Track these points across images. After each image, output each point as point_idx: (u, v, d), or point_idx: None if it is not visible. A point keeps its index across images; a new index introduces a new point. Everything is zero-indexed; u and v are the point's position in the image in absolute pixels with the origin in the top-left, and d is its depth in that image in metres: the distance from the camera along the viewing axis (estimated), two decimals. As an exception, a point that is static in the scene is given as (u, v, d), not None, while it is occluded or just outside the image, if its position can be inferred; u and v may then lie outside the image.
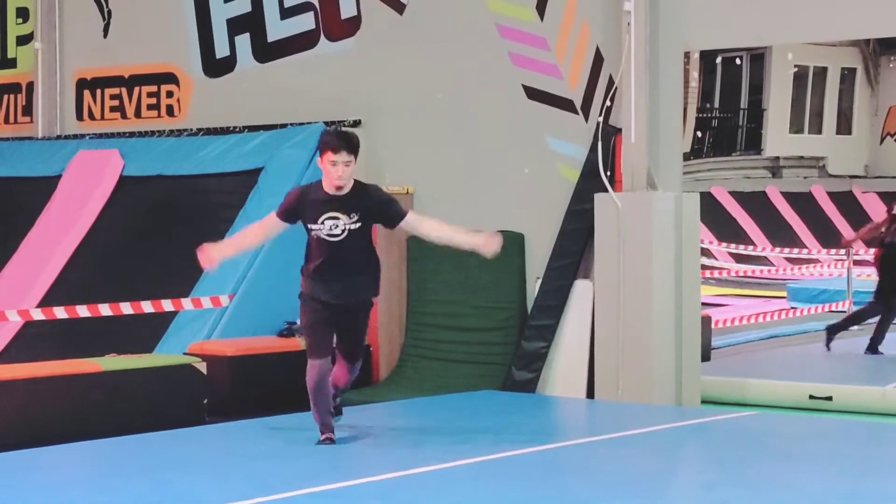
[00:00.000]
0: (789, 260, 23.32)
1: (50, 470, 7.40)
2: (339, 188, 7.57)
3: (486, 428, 8.50)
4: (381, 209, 7.74)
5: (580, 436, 8.78)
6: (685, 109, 25.38)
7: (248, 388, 10.36)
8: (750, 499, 6.39)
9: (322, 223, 7.55)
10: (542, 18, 11.11)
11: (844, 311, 16.38)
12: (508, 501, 6.22)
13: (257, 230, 8.06)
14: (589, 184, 10.64)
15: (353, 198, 7.62)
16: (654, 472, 7.26)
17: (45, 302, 11.82)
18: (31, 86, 14.51)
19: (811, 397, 10.64)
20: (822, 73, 27.97)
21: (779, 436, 8.58)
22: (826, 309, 17.24)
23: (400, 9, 11.87)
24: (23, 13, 14.68)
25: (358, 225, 7.58)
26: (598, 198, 10.44)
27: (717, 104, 27.56)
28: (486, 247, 7.86)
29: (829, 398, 10.57)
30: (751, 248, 23.87)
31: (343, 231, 7.56)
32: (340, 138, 7.68)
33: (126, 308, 10.54)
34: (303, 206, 7.63)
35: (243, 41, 12.91)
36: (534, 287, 10.98)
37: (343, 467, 7.23)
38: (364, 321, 7.92)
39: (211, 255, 7.85)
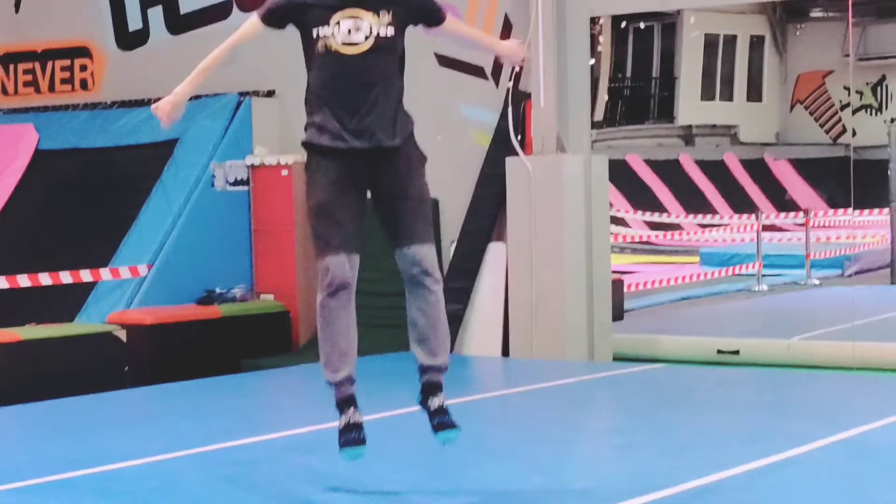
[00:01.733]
0: (702, 226, 23.72)
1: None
2: None
3: (401, 386, 8.67)
4: (417, 5, 5.60)
5: (494, 389, 9.02)
6: (597, 79, 25.69)
7: (168, 356, 10.47)
8: (656, 442, 6.66)
9: (337, 24, 5.37)
10: (451, -14, 11.30)
11: (754, 274, 16.79)
12: (420, 453, 6.41)
13: (225, 48, 5.85)
14: (501, 148, 10.85)
15: None
16: (566, 420, 7.51)
17: (-37, 276, 11.84)
18: (-58, 62, 14.44)
19: (719, 352, 10.94)
20: (731, 41, 28.39)
21: (685, 386, 8.87)
22: (736, 271, 17.64)
23: (312, -21, 11.98)
24: (-68, -11, 14.59)
25: (391, 31, 5.45)
26: (510, 161, 10.66)
27: (629, 73, 27.89)
28: (510, 52, 6.02)
29: (737, 352, 10.87)
30: (665, 215, 24.24)
31: (367, 38, 5.39)
32: None
33: (45, 279, 10.60)
34: (301, 2, 5.44)
35: (156, 13, 12.96)
36: (449, 250, 11.18)
37: (258, 423, 7.41)
38: (417, 172, 5.86)
39: (166, 106, 5.98)
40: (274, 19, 5.51)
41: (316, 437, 6.84)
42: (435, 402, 5.55)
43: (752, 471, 5.84)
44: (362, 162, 5.45)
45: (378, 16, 5.32)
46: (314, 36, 5.37)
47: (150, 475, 6.05)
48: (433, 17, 5.64)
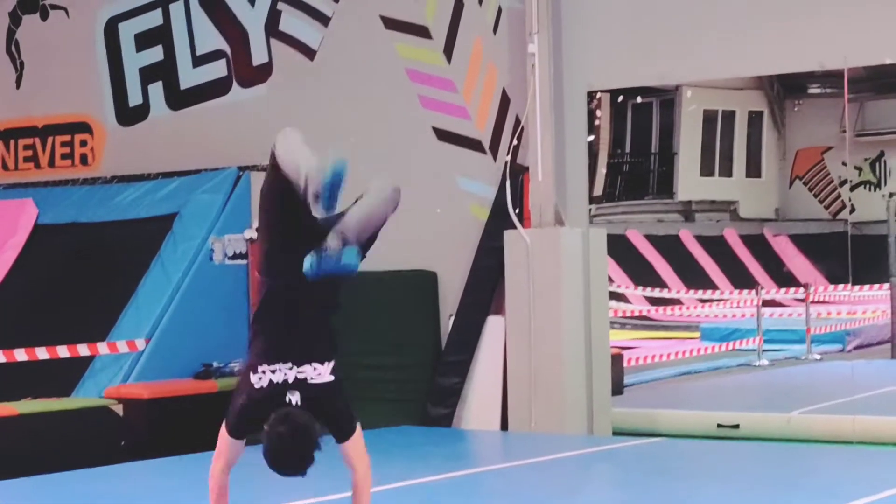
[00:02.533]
0: (702, 301, 23.69)
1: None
2: None
3: (400, 459, 8.65)
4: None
5: (492, 462, 8.97)
6: (596, 154, 25.77)
7: (165, 430, 10.42)
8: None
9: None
10: (449, 62, 11.38)
11: (755, 349, 16.75)
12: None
13: (218, 476, 5.87)
14: (499, 221, 10.87)
15: None
16: (565, 494, 7.46)
17: (-39, 349, 11.81)
18: (-57, 137, 14.51)
19: (719, 426, 10.88)
20: (730, 116, 28.49)
21: (685, 460, 8.82)
22: (737, 346, 17.58)
23: (311, 55, 12.09)
24: (-65, 65, 14.70)
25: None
26: (508, 235, 10.67)
27: (628, 149, 28.00)
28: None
29: (737, 426, 10.81)
30: (665, 290, 24.23)
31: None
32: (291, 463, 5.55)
33: (42, 353, 10.57)
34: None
35: (156, 89, 13.05)
36: (447, 324, 11.16)
37: (258, 496, 7.34)
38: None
39: None
40: (242, 432, 5.74)
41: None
42: None
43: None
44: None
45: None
46: None
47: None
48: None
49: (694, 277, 25.95)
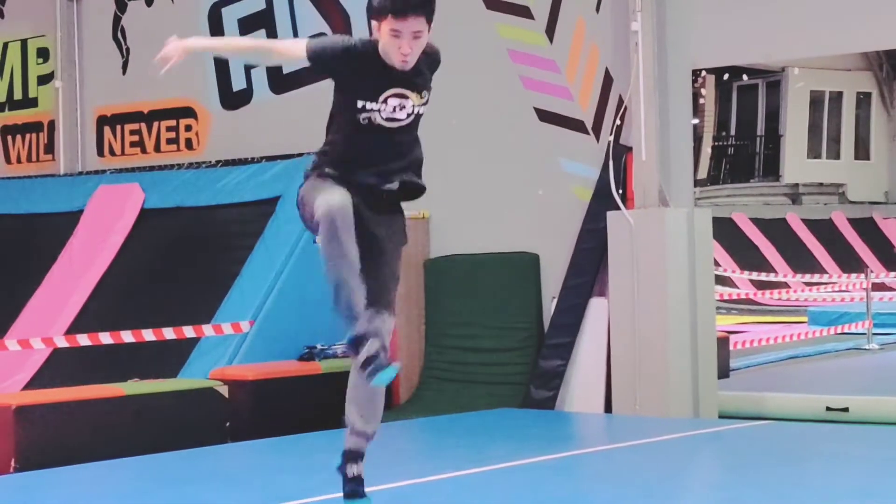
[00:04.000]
0: (808, 284, 23.36)
1: (75, 486, 7.55)
2: (405, 63, 5.40)
3: (504, 440, 8.62)
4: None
5: (596, 444, 8.89)
6: (701, 137, 25.53)
7: (269, 412, 10.47)
8: (761, 497, 6.49)
9: (384, 102, 5.41)
10: (551, 42, 11.28)
11: (864, 333, 16.45)
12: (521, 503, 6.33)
13: (259, 45, 5.79)
14: (602, 203, 10.76)
15: (422, 69, 5.55)
16: (669, 476, 7.36)
17: (71, 331, 11.99)
18: (52, 124, 14.76)
19: (828, 409, 10.69)
20: (837, 98, 28.05)
21: (792, 442, 8.66)
22: (845, 330, 17.29)
23: (412, 36, 12.06)
24: (43, 53, 14.96)
25: (425, 107, 5.58)
26: (611, 216, 10.57)
27: (733, 131, 27.68)
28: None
29: (846, 409, 10.61)
30: (772, 275, 23.92)
31: (409, 116, 5.47)
32: None
33: (148, 335, 10.68)
34: (350, 66, 5.36)
35: (259, 73, 13.13)
36: (550, 306, 11.09)
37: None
38: (399, 251, 5.67)
39: (179, 45, 5.66)
40: (320, 63, 5.40)
41: (417, 490, 6.78)
42: (354, 470, 5.64)
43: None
44: (371, 207, 5.52)
45: (420, 96, 5.47)
46: (358, 106, 5.38)
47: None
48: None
49: (801, 261, 25.64)
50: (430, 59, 5.55)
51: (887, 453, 8.19)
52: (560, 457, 7.92)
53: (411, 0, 5.24)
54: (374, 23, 5.33)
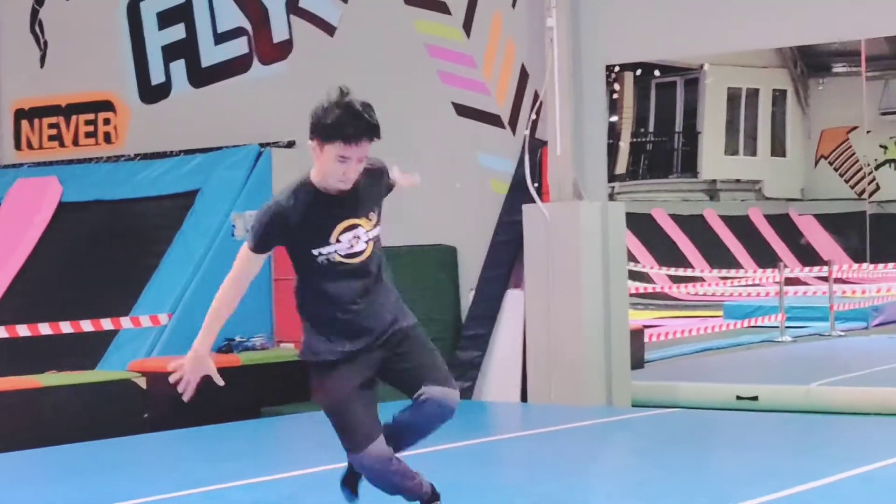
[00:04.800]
0: (724, 279, 23.67)
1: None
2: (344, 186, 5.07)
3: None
4: (386, 185, 5.36)
5: (511, 431, 9.04)
6: (620, 133, 25.78)
7: (187, 404, 10.42)
8: (669, 480, 6.65)
9: (337, 241, 5.08)
10: (468, 37, 11.42)
11: (777, 326, 16.75)
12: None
13: (231, 285, 5.30)
14: (518, 196, 10.92)
15: (367, 188, 5.16)
16: (580, 460, 7.52)
17: (-13, 324, 11.96)
18: (-32, 117, 14.67)
19: (738, 398, 10.91)
20: (754, 95, 28.43)
21: (702, 429, 8.87)
22: (759, 322, 17.59)
23: (330, 31, 12.16)
24: (-41, 46, 14.85)
25: (378, 229, 5.20)
26: (527, 209, 10.72)
27: (651, 128, 27.97)
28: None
29: (755, 398, 10.84)
30: (689, 270, 24.22)
31: (366, 243, 5.12)
32: (358, 119, 5.07)
33: (66, 327, 10.69)
34: (290, 227, 5.06)
35: (178, 67, 13.15)
36: (467, 298, 11.23)
37: (271, 465, 7.44)
38: (421, 340, 5.43)
39: (188, 365, 5.54)
40: (269, 247, 5.13)
41: (327, 477, 6.87)
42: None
43: (763, 504, 5.84)
44: (375, 351, 5.24)
45: (369, 219, 5.12)
46: (313, 254, 5.06)
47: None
48: (386, 190, 5.34)
49: (719, 257, 25.93)
50: (374, 177, 5.18)
51: (792, 439, 8.42)
52: (475, 443, 8.05)
53: (363, 126, 5.03)
54: (314, 143, 5.05)
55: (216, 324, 5.34)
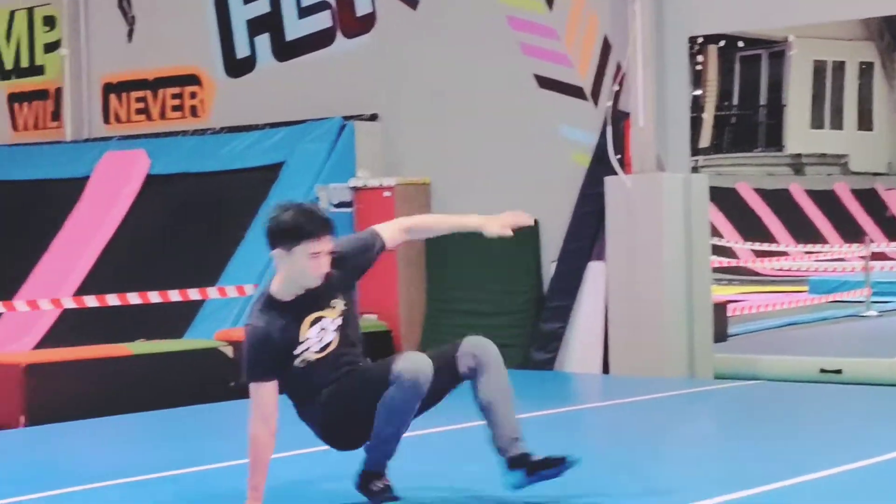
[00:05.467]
0: (808, 253, 23.47)
1: (81, 440, 7.75)
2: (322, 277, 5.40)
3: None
4: (358, 258, 5.53)
5: (593, 401, 9.09)
6: (703, 107, 25.60)
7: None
8: (746, 449, 6.67)
9: (305, 342, 5.35)
10: (550, 8, 11.42)
11: (862, 300, 16.59)
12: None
13: (260, 428, 5.39)
14: (600, 168, 10.92)
15: (333, 279, 5.42)
16: (660, 429, 7.56)
17: (79, 294, 12.18)
18: (58, 91, 14.94)
19: (822, 371, 10.83)
20: (840, 67, 28.08)
21: (784, 401, 8.86)
22: (845, 297, 17.43)
23: (413, 4, 12.21)
24: (49, 21, 15.12)
25: (345, 311, 5.42)
26: (609, 181, 10.72)
27: (735, 101, 27.74)
28: (488, 227, 5.78)
29: (839, 371, 10.76)
30: (774, 245, 24.04)
31: (334, 331, 5.38)
32: (313, 217, 5.38)
33: (154, 297, 10.87)
34: (275, 338, 5.32)
35: (263, 41, 13.29)
36: (549, 270, 11.27)
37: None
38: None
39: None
40: (267, 372, 5.35)
41: (415, 442, 6.95)
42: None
43: (843, 473, 5.84)
44: None
45: (333, 308, 5.36)
46: (295, 361, 5.34)
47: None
48: (373, 252, 5.57)
49: (804, 232, 25.71)
50: (341, 264, 5.42)
51: (875, 410, 8.39)
52: (557, 412, 8.12)
53: (320, 221, 5.32)
54: (279, 252, 5.31)
55: (263, 467, 5.42)
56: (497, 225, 5.74)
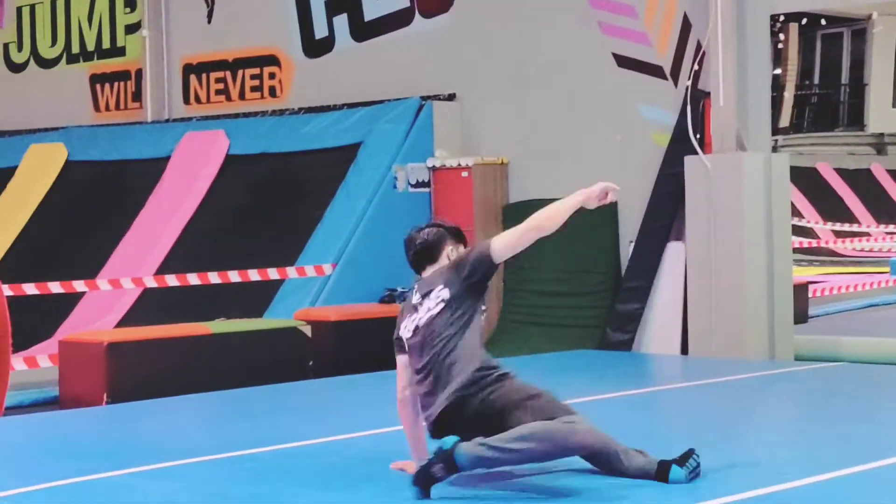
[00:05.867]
0: (890, 234, 23.16)
1: (162, 417, 7.83)
2: None
3: (579, 378, 8.78)
4: (465, 264, 5.68)
5: (672, 382, 9.04)
6: (784, 85, 25.29)
7: (351, 352, 10.70)
8: (827, 429, 6.60)
9: (404, 323, 5.67)
10: (629, -13, 11.35)
11: (946, 280, 16.37)
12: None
13: (407, 395, 5.61)
14: (679, 148, 10.84)
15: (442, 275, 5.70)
16: (741, 410, 7.51)
17: (159, 273, 12.31)
18: (139, 73, 15.10)
19: (905, 353, 10.71)
20: (924, 45, 27.61)
21: (866, 382, 8.75)
22: (928, 278, 17.20)
23: (491, -16, 12.19)
24: (130, 3, 15.28)
25: (442, 302, 5.56)
26: (689, 160, 10.64)
27: (816, 80, 27.39)
28: (589, 202, 6.04)
29: (922, 353, 10.63)
30: (855, 225, 23.76)
31: (427, 314, 5.57)
32: (411, 257, 5.93)
33: (234, 276, 10.97)
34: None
35: (341, 21, 13.33)
36: (627, 250, 11.21)
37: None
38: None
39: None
40: (399, 349, 5.68)
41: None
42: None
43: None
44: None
45: (431, 295, 5.62)
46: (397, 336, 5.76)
47: (329, 453, 6.26)
48: (485, 264, 5.76)
49: (886, 213, 25.36)
50: (453, 268, 5.71)
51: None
52: (637, 393, 8.09)
53: (412, 262, 5.90)
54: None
55: (408, 438, 5.71)
56: (595, 198, 5.99)
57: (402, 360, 5.63)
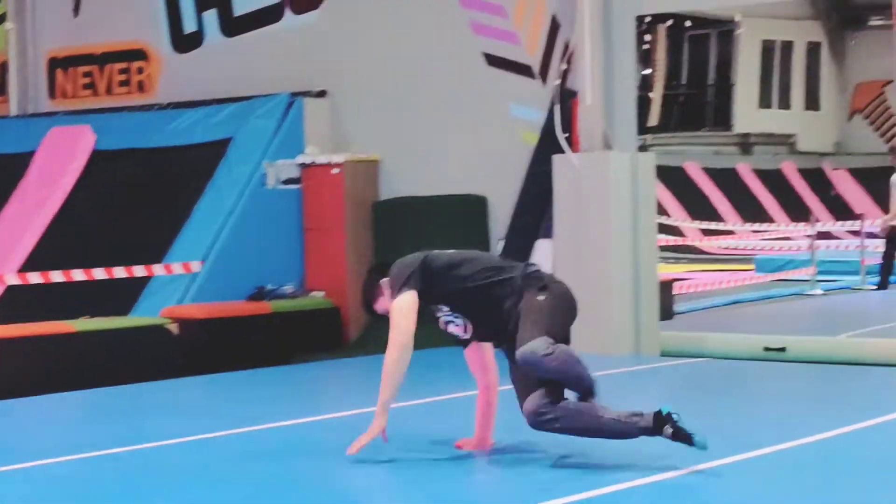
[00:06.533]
0: (755, 232, 23.64)
1: (26, 417, 7.70)
2: None
3: (450, 375, 8.78)
4: None
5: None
6: (651, 85, 25.69)
7: (219, 350, 10.63)
8: (695, 425, 6.68)
9: None
10: (499, -13, 11.43)
11: (808, 279, 16.72)
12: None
13: (399, 350, 6.06)
14: (548, 146, 10.94)
15: None
16: (606, 404, 7.55)
17: (23, 270, 12.08)
18: (3, 66, 14.78)
19: (766, 349, 10.91)
20: (788, 47, 28.23)
21: (729, 377, 8.92)
22: (790, 276, 17.56)
23: (362, -20, 12.19)
24: (-5, -5, 14.97)
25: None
26: (557, 159, 10.74)
27: (684, 80, 27.85)
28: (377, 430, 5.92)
29: (783, 349, 10.84)
30: (721, 224, 24.20)
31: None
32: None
33: (100, 273, 10.81)
34: None
35: (210, 16, 13.21)
36: (497, 248, 11.29)
37: (299, 408, 7.53)
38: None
39: (376, 428, 5.84)
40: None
41: (354, 420, 6.97)
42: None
43: (787, 450, 5.90)
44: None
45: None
46: None
47: (192, 452, 6.21)
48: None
49: (751, 211, 25.87)
50: None
51: (817, 389, 8.48)
52: (502, 390, 8.10)
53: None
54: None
55: (396, 373, 5.96)
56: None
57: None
